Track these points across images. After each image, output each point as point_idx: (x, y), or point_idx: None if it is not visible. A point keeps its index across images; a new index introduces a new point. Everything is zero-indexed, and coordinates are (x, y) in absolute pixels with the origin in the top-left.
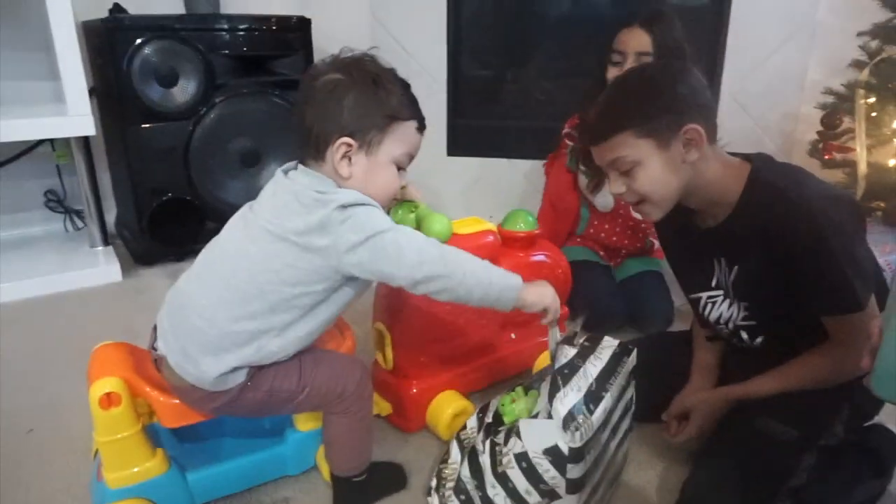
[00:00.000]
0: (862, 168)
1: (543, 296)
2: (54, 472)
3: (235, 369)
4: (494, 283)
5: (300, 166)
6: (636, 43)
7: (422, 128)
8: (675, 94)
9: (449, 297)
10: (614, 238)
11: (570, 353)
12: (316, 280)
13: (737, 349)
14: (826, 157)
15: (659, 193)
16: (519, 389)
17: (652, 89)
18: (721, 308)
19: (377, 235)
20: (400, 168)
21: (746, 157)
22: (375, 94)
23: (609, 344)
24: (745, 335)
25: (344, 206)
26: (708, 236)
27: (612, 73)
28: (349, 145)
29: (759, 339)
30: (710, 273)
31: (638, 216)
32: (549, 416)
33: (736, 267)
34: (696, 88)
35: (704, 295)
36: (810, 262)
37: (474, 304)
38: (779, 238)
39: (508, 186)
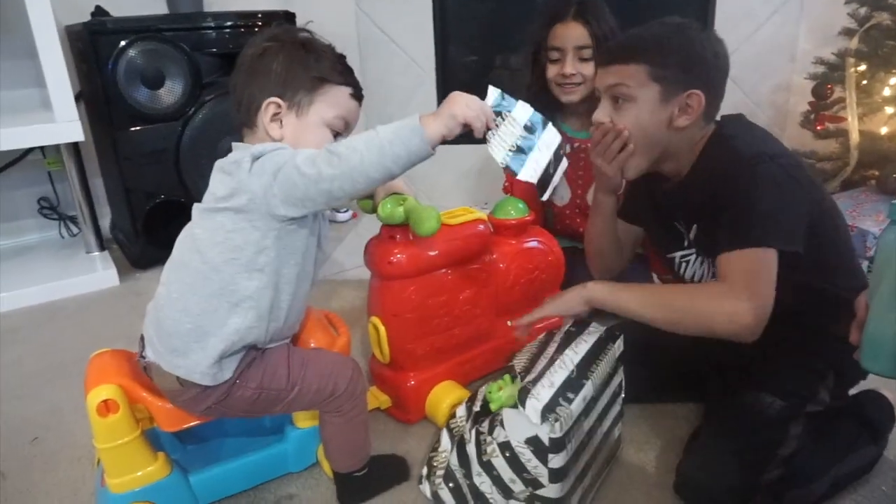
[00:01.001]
0: (854, 137)
1: (455, 108)
2: (60, 479)
3: (223, 359)
4: (391, 139)
5: (234, 144)
6: (574, 36)
7: (357, 96)
8: (702, 57)
9: (366, 184)
10: (580, 228)
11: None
12: (260, 235)
13: None
14: (819, 127)
15: (639, 141)
16: (506, 377)
17: (688, 45)
18: (694, 266)
19: (280, 170)
20: (337, 133)
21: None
22: (305, 57)
23: (595, 329)
24: None
25: (255, 156)
26: (669, 197)
27: (552, 70)
28: (278, 105)
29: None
30: (679, 234)
31: None
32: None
33: (694, 226)
34: (719, 65)
35: (678, 255)
36: (728, 206)
37: (396, 172)
38: (719, 191)
39: (503, 173)
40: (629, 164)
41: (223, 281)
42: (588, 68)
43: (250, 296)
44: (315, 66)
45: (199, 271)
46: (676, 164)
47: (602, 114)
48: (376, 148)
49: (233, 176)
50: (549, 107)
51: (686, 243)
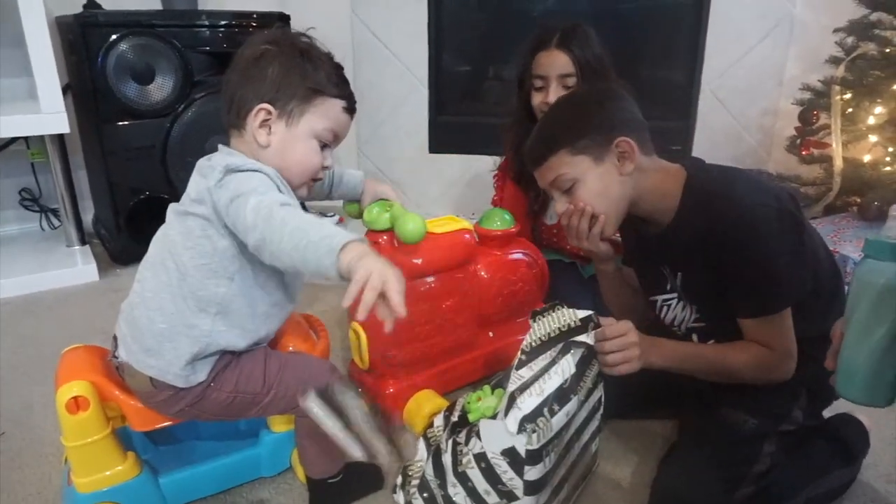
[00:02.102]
0: (838, 164)
1: (367, 264)
2: (26, 476)
3: (195, 361)
4: (312, 243)
5: (220, 146)
6: (557, 65)
7: (350, 109)
8: (603, 111)
9: (275, 262)
10: (567, 245)
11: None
12: (228, 243)
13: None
14: (804, 152)
15: (601, 206)
16: (486, 388)
17: (581, 110)
18: (675, 310)
19: (240, 197)
20: (324, 145)
21: (682, 163)
22: (301, 65)
23: (578, 346)
24: (695, 338)
25: (230, 170)
26: (655, 242)
27: (537, 98)
28: (269, 112)
29: (710, 342)
30: (663, 278)
31: None
32: (506, 412)
33: (679, 273)
34: (622, 106)
35: (660, 298)
36: (737, 262)
37: (301, 270)
38: (713, 239)
39: (491, 183)
40: (606, 229)
41: (192, 285)
42: None
43: (219, 301)
44: (311, 75)
45: (172, 272)
46: (651, 209)
47: (560, 205)
48: (297, 241)
49: (206, 179)
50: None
51: (669, 286)
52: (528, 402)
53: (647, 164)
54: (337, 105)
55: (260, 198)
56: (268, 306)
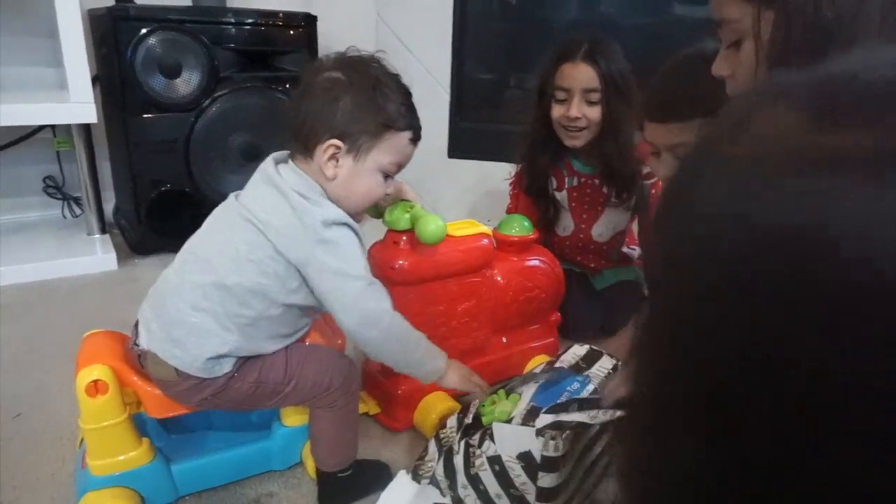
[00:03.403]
0: None
1: (464, 381)
2: (40, 458)
3: (222, 357)
4: (424, 357)
5: (290, 162)
6: (582, 79)
7: (416, 139)
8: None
9: (378, 359)
10: (579, 258)
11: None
12: (287, 276)
13: None
14: None
15: None
16: (501, 392)
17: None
18: None
19: (347, 277)
20: (387, 176)
21: None
22: (373, 99)
23: (605, 364)
24: None
25: (326, 224)
26: None
27: (558, 111)
28: (338, 147)
29: None
30: None
31: (600, 240)
32: (523, 423)
33: None
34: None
35: None
36: None
37: (400, 369)
38: None
39: (507, 192)
40: None
41: (239, 296)
42: (594, 112)
43: (257, 318)
44: (383, 110)
45: (222, 277)
46: None
47: (667, 169)
48: (413, 363)
49: (294, 219)
50: (551, 147)
51: None
52: (574, 416)
53: None
54: (404, 138)
55: (363, 290)
56: (303, 321)
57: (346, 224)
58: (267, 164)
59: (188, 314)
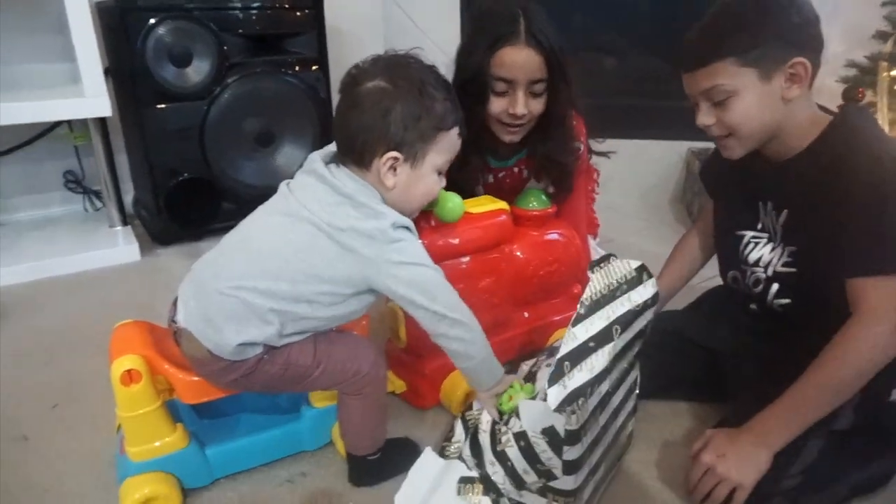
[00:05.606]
0: None
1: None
2: (81, 445)
3: (254, 343)
4: (491, 361)
5: (342, 167)
6: (528, 68)
7: (462, 130)
8: (789, 21)
9: (457, 347)
10: None
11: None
12: (346, 283)
13: (741, 326)
14: None
15: (749, 127)
16: (516, 384)
17: (763, 12)
18: (763, 250)
19: (421, 266)
20: (439, 172)
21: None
22: (421, 105)
23: (638, 315)
24: (775, 287)
25: (395, 226)
26: (761, 177)
27: (498, 105)
28: (395, 158)
29: (784, 301)
30: (756, 214)
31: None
32: (546, 398)
33: (785, 211)
34: (810, 19)
35: (749, 234)
36: (860, 215)
37: (470, 365)
38: (838, 184)
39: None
40: (734, 152)
41: (289, 293)
42: (539, 105)
43: (302, 314)
44: (432, 113)
45: (274, 272)
46: (781, 145)
47: (707, 118)
48: (488, 357)
49: (364, 222)
50: (480, 144)
51: (760, 226)
52: (576, 378)
53: (807, 96)
54: (454, 134)
55: (439, 276)
56: (336, 326)
57: (407, 227)
58: (316, 164)
59: (229, 299)
